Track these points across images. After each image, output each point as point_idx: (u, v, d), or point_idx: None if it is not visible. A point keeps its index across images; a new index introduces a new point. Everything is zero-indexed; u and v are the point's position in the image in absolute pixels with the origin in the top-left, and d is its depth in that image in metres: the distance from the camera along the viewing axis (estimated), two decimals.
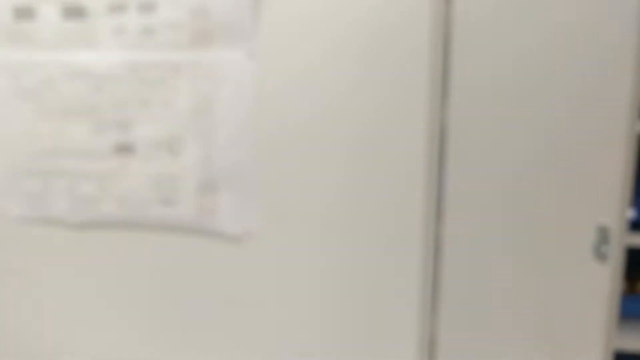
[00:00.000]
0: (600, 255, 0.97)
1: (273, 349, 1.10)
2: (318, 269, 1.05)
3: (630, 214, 1.31)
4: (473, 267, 1.01)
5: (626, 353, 1.32)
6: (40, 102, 1.08)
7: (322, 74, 0.98)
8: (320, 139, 1.00)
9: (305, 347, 1.08)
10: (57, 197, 1.12)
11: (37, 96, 1.08)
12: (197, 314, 1.11)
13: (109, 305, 1.15)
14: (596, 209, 0.96)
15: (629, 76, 0.89)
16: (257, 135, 1.02)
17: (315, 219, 1.04)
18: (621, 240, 0.96)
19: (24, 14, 1.06)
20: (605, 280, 0.98)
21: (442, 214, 1.00)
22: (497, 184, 0.97)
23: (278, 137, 1.02)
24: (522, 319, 1.01)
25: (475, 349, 1.04)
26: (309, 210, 1.04)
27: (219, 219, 1.07)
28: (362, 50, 0.96)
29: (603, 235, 0.96)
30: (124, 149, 1.07)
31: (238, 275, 1.09)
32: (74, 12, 1.04)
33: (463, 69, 0.94)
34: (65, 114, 1.08)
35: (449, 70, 0.95)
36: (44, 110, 1.08)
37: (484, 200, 0.98)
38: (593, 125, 0.93)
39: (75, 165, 1.10)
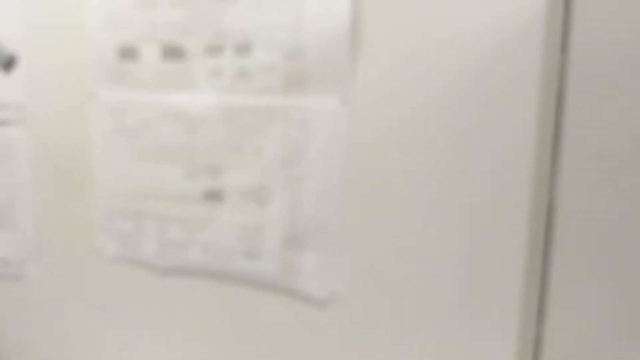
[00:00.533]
0: None
1: None
2: (413, 342, 0.92)
3: None
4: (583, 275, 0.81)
5: None
6: (138, 142, 1.07)
7: (423, 126, 0.86)
8: (418, 199, 0.88)
9: None
10: (148, 239, 1.09)
11: (136, 136, 1.07)
12: None
13: (186, 352, 1.10)
14: None
15: None
16: (348, 188, 0.92)
17: (409, 285, 0.91)
18: None
19: (128, 54, 1.05)
20: None
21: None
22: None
23: (370, 192, 0.91)
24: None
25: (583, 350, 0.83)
26: (403, 275, 0.91)
27: (303, 279, 0.98)
28: (465, 103, 0.83)
29: None
30: (213, 195, 1.02)
31: (321, 341, 0.98)
32: (173, 53, 1.01)
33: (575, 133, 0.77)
34: (160, 156, 1.05)
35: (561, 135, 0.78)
36: (142, 150, 1.07)
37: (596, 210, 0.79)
38: None
39: (166, 208, 1.07)
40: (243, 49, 0.96)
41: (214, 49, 0.98)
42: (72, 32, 1.10)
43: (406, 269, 0.90)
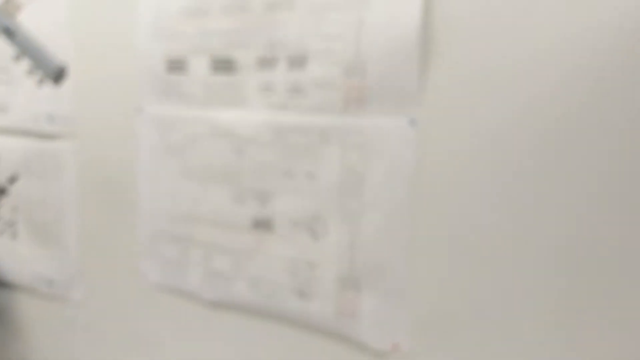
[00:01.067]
0: None
1: None
2: None
3: None
4: None
5: None
6: (184, 160, 0.98)
7: (505, 150, 0.72)
8: (496, 237, 0.73)
9: None
10: (192, 268, 1.00)
11: (182, 153, 0.98)
12: None
13: None
14: None
15: None
16: (414, 223, 0.79)
17: (485, 339, 0.76)
18: None
19: (177, 66, 0.96)
20: None
21: None
22: None
23: (440, 228, 0.78)
24: None
25: None
26: (477, 327, 0.77)
27: (361, 326, 0.85)
28: (548, 123, 0.68)
29: None
30: (262, 223, 0.91)
31: None
32: (223, 66, 0.92)
33: None
34: (207, 176, 0.96)
35: None
36: (187, 168, 0.98)
37: None
38: None
39: (212, 235, 0.97)
40: (297, 61, 0.84)
41: (266, 62, 0.88)
42: (120, 43, 1.03)
43: (481, 319, 0.76)
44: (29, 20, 1.14)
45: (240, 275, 0.95)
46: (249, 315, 0.95)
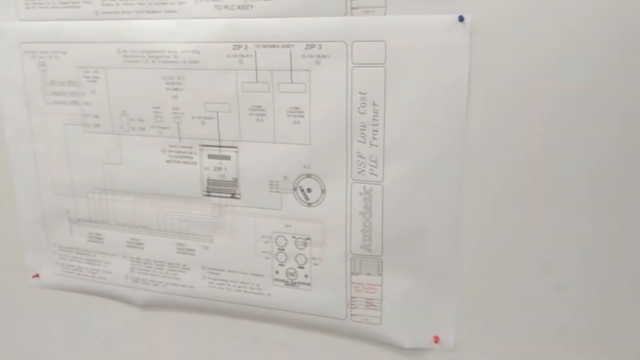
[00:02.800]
0: None
1: None
2: None
3: None
4: None
5: None
6: (84, 105, 0.64)
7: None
8: (576, 193, 0.51)
9: None
10: (113, 258, 0.68)
11: (79, 95, 0.64)
12: None
13: None
14: None
15: None
16: (465, 169, 0.54)
17: (541, 331, 0.55)
18: None
19: None
20: None
21: None
22: None
23: (498, 175, 0.53)
24: None
25: None
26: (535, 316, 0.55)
27: (385, 318, 0.60)
28: None
29: None
30: (221, 188, 0.62)
31: None
32: None
33: None
34: (123, 125, 0.63)
35: None
36: (91, 117, 0.64)
37: None
38: None
39: (141, 211, 0.65)
40: None
41: None
42: None
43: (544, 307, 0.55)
44: None
45: (192, 264, 0.65)
46: (201, 314, 0.67)
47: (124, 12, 0.59)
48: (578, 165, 0.51)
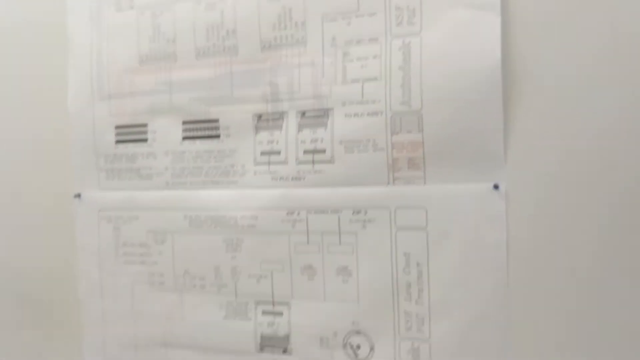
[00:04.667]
0: None
1: None
2: None
3: None
4: None
5: None
6: (149, 264, 0.70)
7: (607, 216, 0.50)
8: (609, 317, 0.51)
9: None
10: None
11: (145, 255, 0.70)
12: None
13: None
14: None
15: None
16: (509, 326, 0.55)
17: None
18: None
19: (130, 134, 0.70)
20: None
21: None
22: None
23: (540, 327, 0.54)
24: None
25: None
26: None
27: None
28: None
29: None
30: (274, 343, 0.64)
31: None
32: (203, 129, 0.66)
33: None
34: (185, 284, 0.68)
35: None
36: (155, 275, 0.70)
37: None
38: None
39: None
40: (315, 114, 0.61)
41: (267, 119, 0.63)
42: (48, 103, 0.75)
43: None
44: None
45: None
46: None
47: (191, 183, 0.67)
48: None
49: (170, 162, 0.68)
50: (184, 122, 0.67)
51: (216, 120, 0.65)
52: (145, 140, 0.69)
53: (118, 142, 0.70)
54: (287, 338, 0.64)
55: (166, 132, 0.68)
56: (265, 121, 0.63)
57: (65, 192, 0.74)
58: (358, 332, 0.61)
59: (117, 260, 0.71)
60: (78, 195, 0.73)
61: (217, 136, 0.65)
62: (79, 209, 0.73)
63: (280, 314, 0.64)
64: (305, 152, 0.61)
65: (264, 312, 0.65)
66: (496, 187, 0.55)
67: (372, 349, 0.60)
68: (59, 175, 0.74)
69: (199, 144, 0.66)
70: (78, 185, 0.73)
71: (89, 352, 0.74)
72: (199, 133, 0.66)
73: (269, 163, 0.63)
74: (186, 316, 0.68)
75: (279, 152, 0.62)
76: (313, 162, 0.61)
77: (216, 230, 0.66)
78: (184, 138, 0.67)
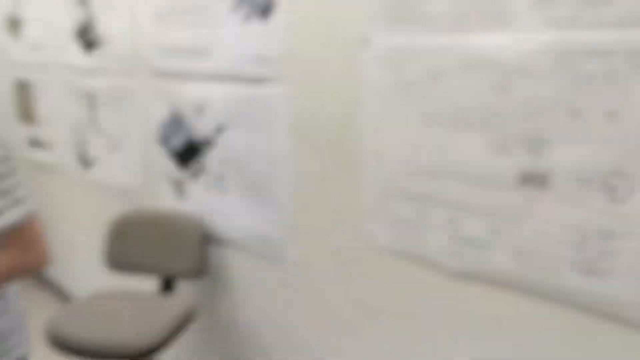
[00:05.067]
0: None
1: None
2: None
3: None
4: None
5: None
6: (425, 103, 0.80)
7: None
8: None
9: None
10: (434, 232, 0.83)
11: (423, 94, 0.80)
12: None
13: None
14: None
15: None
16: None
17: None
18: None
19: None
20: None
21: None
22: None
23: None
24: None
25: None
26: None
27: None
28: None
29: None
30: (534, 178, 0.71)
31: None
32: None
33: None
34: (456, 121, 0.77)
35: None
36: (430, 113, 0.80)
37: None
38: None
39: (461, 194, 0.79)
40: None
41: None
42: None
43: None
44: None
45: (500, 243, 0.76)
46: (509, 292, 0.76)
47: (466, 26, 0.73)
48: None
49: (448, 8, 0.74)
50: None
51: None
52: None
53: None
54: (546, 175, 0.70)
55: None
56: None
57: (355, 37, 0.85)
58: (618, 174, 0.64)
59: (396, 98, 0.82)
60: (367, 40, 0.84)
61: None
62: (366, 53, 0.85)
63: (542, 152, 0.69)
64: None
65: (527, 150, 0.71)
66: None
67: (631, 192, 0.63)
68: (349, 22, 0.86)
69: None
70: (367, 31, 0.84)
71: (367, 179, 0.89)
72: None
73: (540, 8, 0.66)
74: (454, 151, 0.78)
75: None
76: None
77: (486, 71, 0.72)
78: None
